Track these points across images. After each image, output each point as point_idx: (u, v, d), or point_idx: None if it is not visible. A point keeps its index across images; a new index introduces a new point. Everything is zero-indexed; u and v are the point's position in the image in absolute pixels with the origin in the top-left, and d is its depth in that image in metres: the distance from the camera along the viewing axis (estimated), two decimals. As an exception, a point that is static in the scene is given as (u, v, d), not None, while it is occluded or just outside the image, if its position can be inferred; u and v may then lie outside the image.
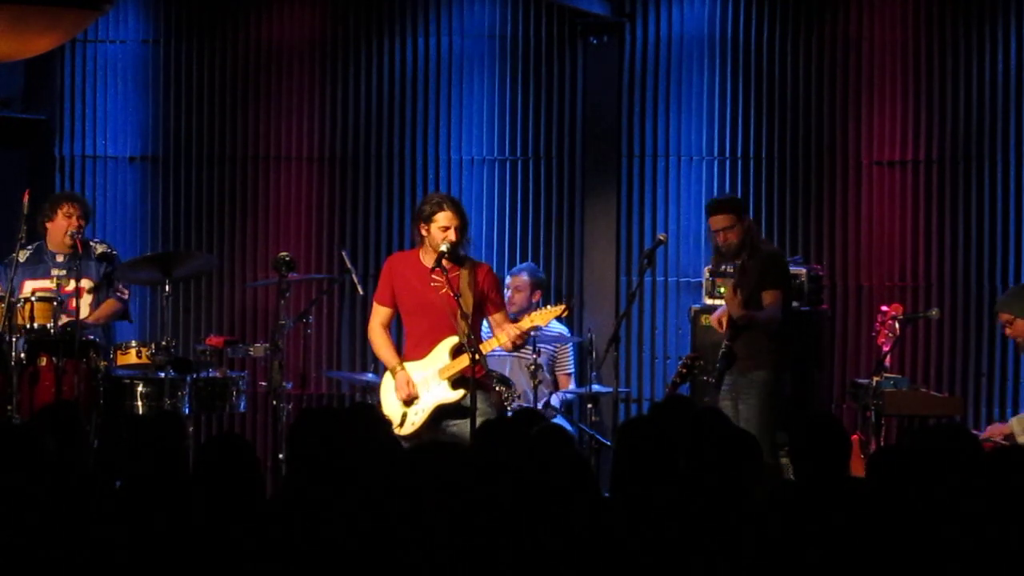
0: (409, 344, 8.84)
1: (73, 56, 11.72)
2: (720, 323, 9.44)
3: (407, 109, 11.59)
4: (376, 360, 11.02)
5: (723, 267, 9.59)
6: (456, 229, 8.62)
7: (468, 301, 8.62)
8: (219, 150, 11.70)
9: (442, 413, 8.66)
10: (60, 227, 9.85)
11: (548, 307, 8.88)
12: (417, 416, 8.68)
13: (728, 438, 5.46)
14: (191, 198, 11.70)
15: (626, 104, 11.41)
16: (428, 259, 8.67)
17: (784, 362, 9.35)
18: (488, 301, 8.74)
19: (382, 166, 11.62)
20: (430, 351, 8.69)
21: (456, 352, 8.60)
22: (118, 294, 9.95)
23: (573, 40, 11.49)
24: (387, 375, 8.88)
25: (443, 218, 8.63)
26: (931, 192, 11.17)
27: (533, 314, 8.86)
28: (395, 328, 9.17)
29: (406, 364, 8.74)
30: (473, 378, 8.45)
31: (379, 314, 8.89)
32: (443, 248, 8.58)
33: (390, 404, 8.78)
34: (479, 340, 8.71)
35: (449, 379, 8.63)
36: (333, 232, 11.58)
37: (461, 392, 8.58)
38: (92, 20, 10.50)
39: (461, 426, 8.53)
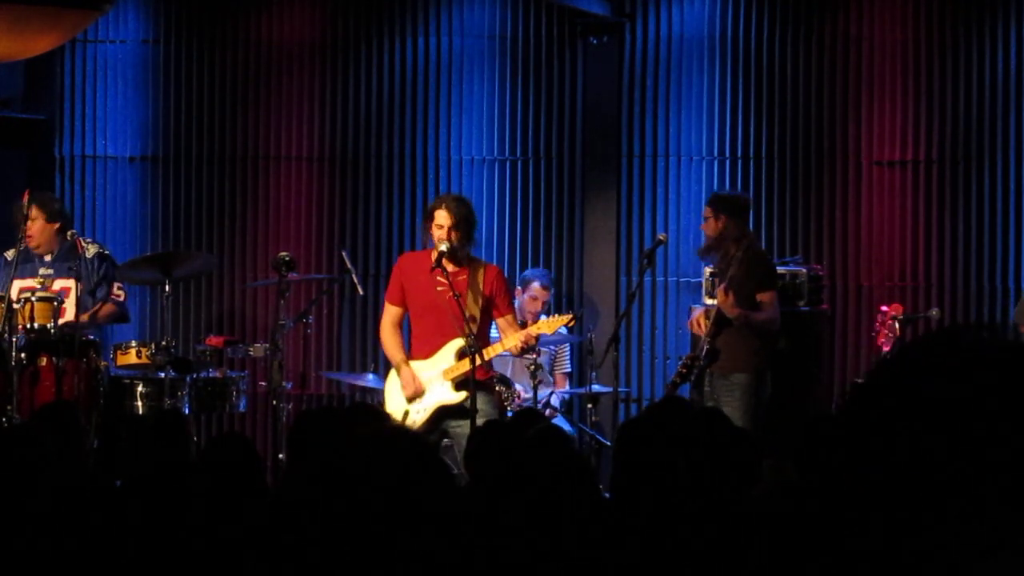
0: (415, 343, 8.86)
1: (73, 56, 11.72)
2: (699, 324, 9.44)
3: (407, 109, 11.59)
4: (376, 360, 11.05)
5: (708, 265, 9.59)
6: (450, 228, 8.63)
7: (474, 302, 8.64)
8: (219, 150, 11.70)
9: (444, 413, 8.68)
10: (35, 227, 9.83)
11: (556, 316, 8.92)
12: (419, 415, 8.70)
13: (727, 438, 5.46)
14: (191, 198, 11.71)
15: (626, 104, 11.42)
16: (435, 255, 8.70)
17: (764, 363, 9.33)
18: (495, 304, 8.75)
19: (382, 166, 11.63)
20: (436, 351, 8.71)
21: (462, 355, 8.62)
22: (113, 297, 9.94)
23: (573, 40, 11.49)
24: (393, 372, 8.90)
25: (438, 216, 8.67)
26: (931, 192, 11.17)
27: (540, 322, 8.89)
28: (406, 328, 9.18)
29: (412, 363, 8.76)
30: (473, 379, 8.46)
31: (389, 313, 8.92)
32: (442, 248, 8.61)
33: (394, 402, 8.80)
34: (485, 342, 8.73)
35: (453, 380, 8.65)
36: (333, 232, 11.58)
37: (463, 394, 8.60)
38: (92, 20, 10.51)
39: (464, 427, 8.54)
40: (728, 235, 9.40)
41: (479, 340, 8.59)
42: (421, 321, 8.80)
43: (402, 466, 4.94)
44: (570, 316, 8.90)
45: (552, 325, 8.82)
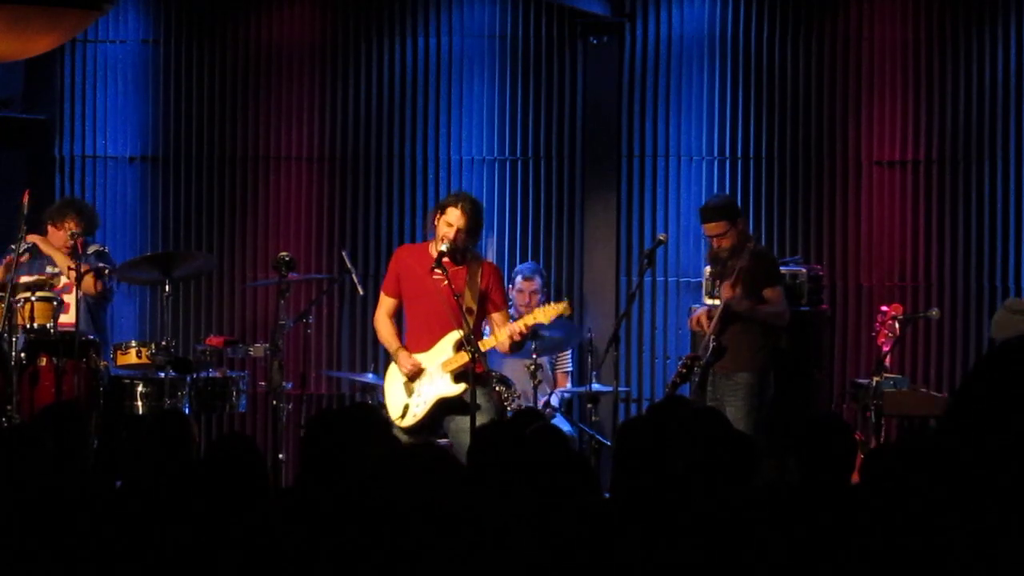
0: (411, 335, 8.85)
1: (73, 56, 11.72)
2: (699, 323, 9.44)
3: (407, 109, 11.59)
4: (376, 360, 11.04)
5: (715, 268, 9.62)
6: (459, 230, 8.63)
7: (471, 297, 8.65)
8: (219, 150, 11.70)
9: (444, 406, 8.67)
10: (59, 236, 9.90)
11: (551, 304, 8.87)
12: (419, 408, 8.69)
13: (722, 439, 5.45)
14: (191, 198, 11.70)
15: (626, 104, 11.42)
16: (436, 251, 8.68)
17: (767, 363, 9.32)
18: (489, 300, 8.75)
19: (382, 166, 11.62)
20: (433, 343, 8.70)
21: (459, 346, 8.61)
22: (100, 266, 9.97)
23: (573, 40, 11.49)
24: (392, 366, 8.89)
25: (450, 214, 8.66)
26: (931, 192, 11.18)
27: (536, 311, 8.85)
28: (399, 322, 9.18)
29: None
30: (472, 373, 8.46)
31: (385, 304, 8.91)
32: (442, 248, 8.61)
33: (394, 395, 8.79)
34: (479, 337, 8.72)
35: (452, 372, 8.64)
36: (333, 232, 11.58)
37: (463, 386, 8.59)
38: (92, 20, 10.50)
39: (460, 421, 8.54)
40: (744, 236, 9.43)
41: (474, 334, 8.60)
42: (417, 313, 8.80)
43: (411, 471, 4.93)
44: (565, 303, 8.86)
45: (548, 314, 8.79)
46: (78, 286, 9.74)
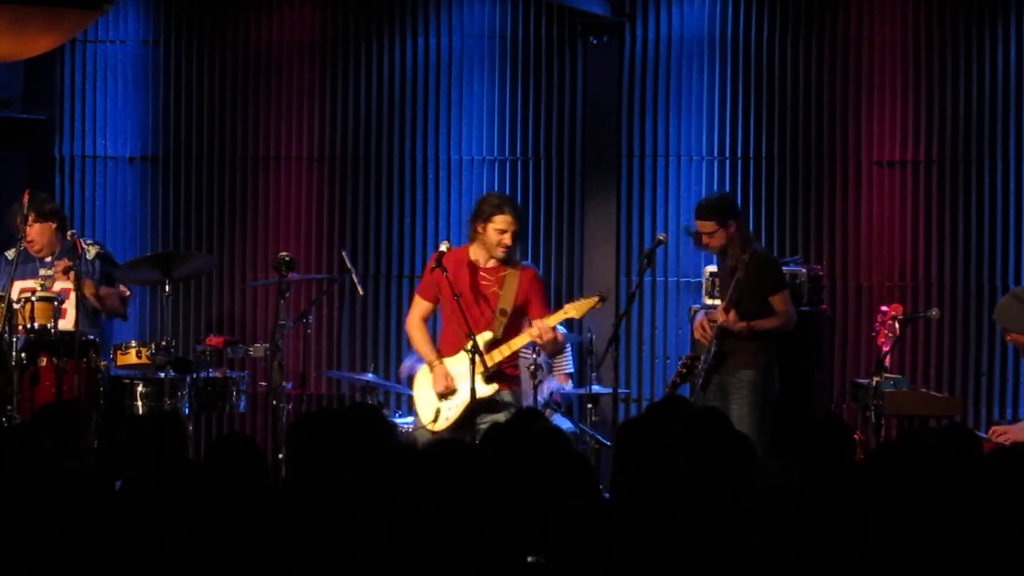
0: (444, 337, 8.89)
1: (73, 56, 11.72)
2: (703, 329, 9.43)
3: (407, 109, 11.59)
4: (376, 360, 11.04)
5: (709, 265, 9.63)
6: (513, 234, 8.68)
7: (508, 300, 8.69)
8: (219, 150, 11.70)
9: (476, 408, 8.68)
10: (29, 241, 9.83)
11: (583, 298, 8.92)
12: (451, 411, 8.72)
13: (722, 439, 5.45)
14: (191, 198, 11.70)
15: (626, 104, 11.41)
16: (478, 256, 8.72)
17: (771, 360, 9.33)
18: (530, 305, 8.79)
19: (382, 166, 11.62)
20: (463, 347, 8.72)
21: (490, 347, 8.64)
22: (121, 290, 9.96)
23: (573, 40, 11.49)
24: (423, 369, 8.90)
25: (501, 221, 8.70)
26: (931, 192, 11.17)
27: (567, 306, 8.91)
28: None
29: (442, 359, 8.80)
30: (472, 375, 8.48)
31: (419, 307, 8.97)
32: (442, 248, 8.67)
33: (424, 399, 8.81)
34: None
35: (483, 374, 8.65)
36: (333, 232, 11.58)
37: (495, 387, 8.63)
38: (92, 20, 10.50)
39: (490, 421, 8.54)
40: (738, 238, 9.39)
41: (508, 336, 8.66)
42: (451, 316, 8.81)
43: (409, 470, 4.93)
44: (597, 297, 8.91)
45: (580, 308, 8.85)
46: (77, 287, 9.67)
